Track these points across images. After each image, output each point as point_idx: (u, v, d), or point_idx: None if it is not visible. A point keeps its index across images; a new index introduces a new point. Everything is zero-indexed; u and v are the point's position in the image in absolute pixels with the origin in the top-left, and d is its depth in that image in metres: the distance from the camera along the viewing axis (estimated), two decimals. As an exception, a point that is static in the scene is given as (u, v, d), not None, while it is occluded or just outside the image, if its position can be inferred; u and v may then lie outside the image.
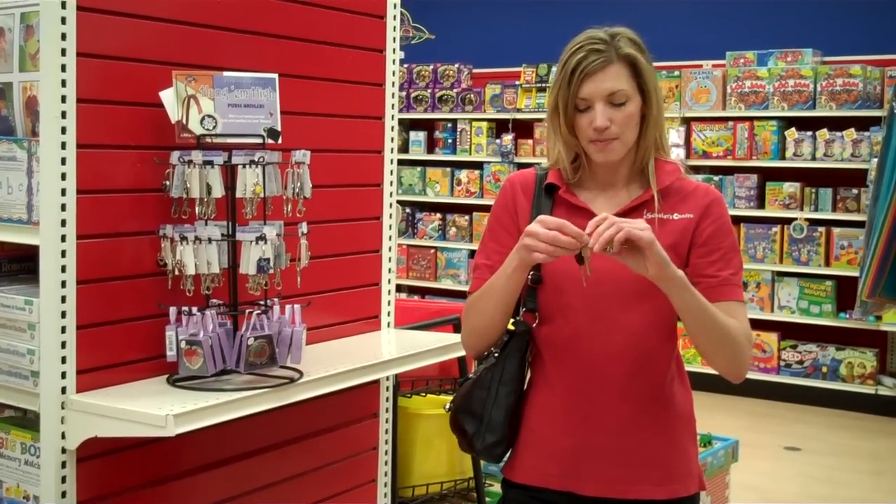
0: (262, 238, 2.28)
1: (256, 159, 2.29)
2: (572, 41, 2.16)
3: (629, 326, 2.12)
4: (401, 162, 8.62)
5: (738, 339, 2.09)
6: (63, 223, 2.16)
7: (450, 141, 9.08)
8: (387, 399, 3.06)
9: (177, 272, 2.26)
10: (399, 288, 3.08)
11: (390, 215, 3.04)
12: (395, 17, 3.01)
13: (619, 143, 2.13)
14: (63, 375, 2.17)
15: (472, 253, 8.82)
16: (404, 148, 9.14)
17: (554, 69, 8.42)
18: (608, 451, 2.14)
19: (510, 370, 2.18)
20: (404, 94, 9.05)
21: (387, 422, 3.06)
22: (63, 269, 2.16)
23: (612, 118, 2.11)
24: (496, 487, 3.58)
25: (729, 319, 2.09)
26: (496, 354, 2.20)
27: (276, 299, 2.37)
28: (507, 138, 8.65)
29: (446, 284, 8.97)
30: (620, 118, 2.11)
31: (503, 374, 2.18)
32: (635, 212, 2.14)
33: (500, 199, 2.27)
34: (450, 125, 9.08)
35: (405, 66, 8.88)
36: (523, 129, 8.74)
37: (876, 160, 6.71)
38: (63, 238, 2.16)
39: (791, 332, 7.56)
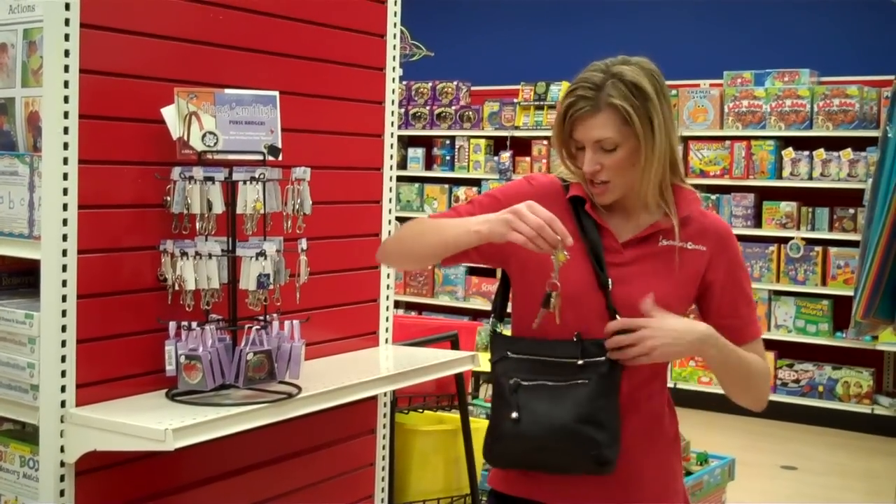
0: (261, 254, 2.29)
1: (257, 176, 2.30)
2: (575, 78, 2.17)
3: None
4: (399, 178, 8.65)
5: (758, 375, 2.21)
6: (64, 238, 2.17)
7: (448, 158, 9.11)
8: (384, 415, 3.06)
9: (177, 287, 2.27)
10: (396, 304, 3.09)
11: (389, 232, 3.05)
12: (395, 35, 3.03)
13: (613, 186, 2.15)
14: (63, 389, 2.18)
15: (469, 270, 8.84)
16: (402, 164, 9.16)
17: (552, 87, 8.50)
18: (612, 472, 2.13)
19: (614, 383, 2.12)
20: (403, 110, 9.07)
21: (384, 438, 3.07)
22: (64, 283, 2.17)
23: (601, 163, 2.13)
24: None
25: (753, 358, 2.20)
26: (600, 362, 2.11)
27: (275, 315, 2.38)
28: (505, 155, 8.67)
29: (444, 301, 8.98)
30: (610, 163, 2.12)
31: (612, 386, 2.11)
32: (651, 238, 2.17)
33: (519, 192, 2.24)
34: (448, 142, 9.11)
35: (404, 82, 8.91)
36: (521, 147, 8.77)
37: (871, 181, 6.76)
38: (64, 252, 2.17)
39: (787, 351, 7.57)
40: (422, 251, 2.21)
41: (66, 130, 2.17)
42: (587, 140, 2.12)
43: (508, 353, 2.16)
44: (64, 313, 2.18)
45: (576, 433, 2.06)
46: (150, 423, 2.08)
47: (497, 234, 2.02)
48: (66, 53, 2.16)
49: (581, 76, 2.15)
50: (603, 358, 2.09)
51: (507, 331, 2.23)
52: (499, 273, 2.34)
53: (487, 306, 8.56)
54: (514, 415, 2.09)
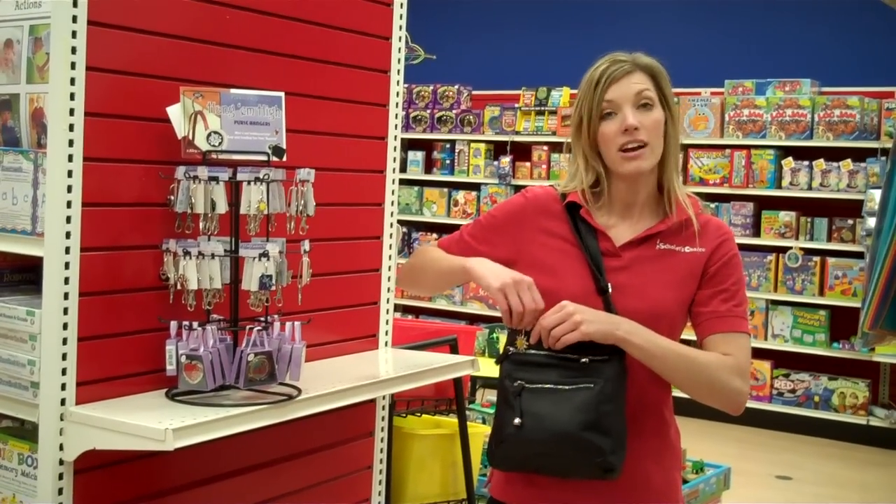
0: (264, 255, 2.29)
1: (261, 176, 2.30)
2: (599, 59, 2.20)
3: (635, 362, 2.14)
4: (399, 181, 8.64)
5: (713, 373, 2.10)
6: (67, 235, 2.16)
7: (448, 162, 9.11)
8: (382, 418, 3.06)
9: (179, 287, 2.27)
10: (394, 307, 3.09)
11: (391, 235, 3.05)
12: (400, 38, 3.03)
13: (649, 150, 2.14)
14: (63, 387, 2.17)
15: (467, 274, 8.81)
16: (402, 167, 9.11)
17: (553, 93, 8.50)
18: (618, 480, 2.11)
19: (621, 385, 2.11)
20: (403, 113, 9.07)
21: (382, 441, 3.06)
22: (66, 280, 2.16)
23: (641, 122, 2.12)
24: (489, 509, 3.58)
25: (698, 353, 2.13)
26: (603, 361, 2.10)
27: (276, 316, 2.37)
28: (505, 160, 8.68)
29: (441, 304, 8.97)
30: (649, 122, 2.13)
31: (619, 388, 2.10)
32: (649, 240, 2.18)
33: (515, 207, 2.30)
34: (448, 146, 9.11)
35: (405, 85, 8.90)
36: (521, 152, 8.77)
37: (872, 191, 6.77)
38: (67, 250, 2.16)
39: (784, 361, 7.58)
40: (427, 285, 2.46)
41: (71, 128, 2.16)
42: (626, 96, 2.13)
43: (511, 347, 2.16)
44: (66, 311, 2.17)
45: (580, 440, 2.04)
46: (150, 423, 2.07)
47: (484, 283, 2.14)
48: (74, 50, 2.15)
49: (606, 56, 2.21)
50: (606, 356, 2.07)
51: None
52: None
53: (484, 311, 8.61)
54: (517, 421, 2.08)
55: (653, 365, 2.10)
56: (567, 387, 2.07)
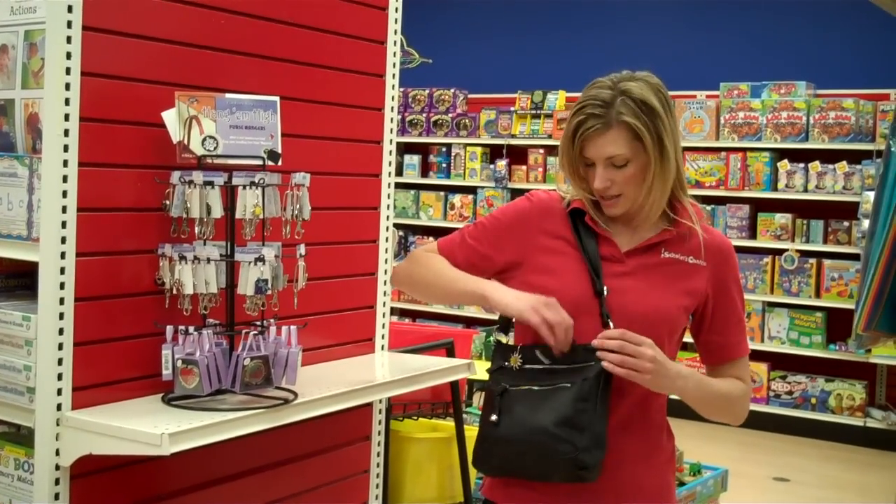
0: (260, 259, 2.29)
1: (256, 181, 2.30)
2: (581, 95, 2.16)
3: None
4: (395, 185, 8.63)
5: (736, 402, 2.25)
6: (63, 240, 2.17)
7: (444, 165, 9.11)
8: (379, 422, 3.06)
9: (175, 291, 2.27)
10: (390, 310, 3.10)
11: (387, 238, 3.05)
12: (395, 42, 3.04)
13: (624, 199, 2.16)
14: (59, 392, 2.17)
15: (463, 277, 8.80)
16: (398, 171, 9.16)
17: (549, 96, 8.50)
18: (608, 483, 2.12)
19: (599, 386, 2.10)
20: (399, 117, 9.07)
21: (379, 444, 3.07)
22: (62, 285, 2.17)
23: (612, 179, 2.14)
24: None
25: (730, 388, 2.23)
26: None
27: (272, 320, 2.37)
28: (501, 164, 8.68)
29: (437, 308, 8.97)
30: (621, 179, 2.14)
31: (601, 388, 2.09)
32: (655, 248, 2.18)
33: (520, 210, 2.30)
34: (444, 149, 9.11)
35: (401, 89, 8.89)
36: (517, 155, 8.77)
37: (867, 193, 6.78)
38: (63, 255, 2.17)
39: (781, 363, 7.58)
40: (432, 298, 2.43)
41: (66, 133, 2.16)
42: (598, 157, 2.13)
43: (504, 363, 2.17)
44: (61, 316, 2.17)
45: (552, 435, 2.05)
46: (147, 428, 2.07)
47: (512, 310, 2.12)
48: (68, 56, 2.16)
49: (588, 93, 2.15)
50: (592, 363, 2.08)
51: (510, 340, 2.25)
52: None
53: (482, 314, 8.61)
54: (494, 417, 2.12)
55: (695, 406, 2.22)
56: (546, 387, 2.10)
